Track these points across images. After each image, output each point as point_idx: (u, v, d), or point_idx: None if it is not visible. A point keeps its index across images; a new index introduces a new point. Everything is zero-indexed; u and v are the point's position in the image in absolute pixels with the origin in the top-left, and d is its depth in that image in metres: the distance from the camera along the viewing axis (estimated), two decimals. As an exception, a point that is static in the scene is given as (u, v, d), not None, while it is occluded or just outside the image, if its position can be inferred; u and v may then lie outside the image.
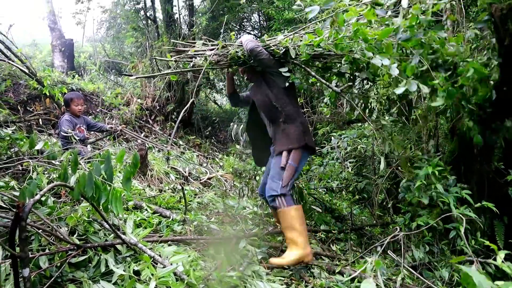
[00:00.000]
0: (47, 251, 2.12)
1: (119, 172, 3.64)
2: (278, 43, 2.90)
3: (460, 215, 2.61)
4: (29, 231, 2.09)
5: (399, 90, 2.25)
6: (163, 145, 6.61)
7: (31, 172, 2.93)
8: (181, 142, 7.39)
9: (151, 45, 8.70)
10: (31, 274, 1.46)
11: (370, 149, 4.85)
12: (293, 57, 2.78)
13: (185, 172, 5.19)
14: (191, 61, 3.09)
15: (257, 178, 5.07)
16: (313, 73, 2.98)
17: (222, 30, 10.64)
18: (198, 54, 3.11)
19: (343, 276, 2.72)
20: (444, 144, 3.73)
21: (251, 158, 6.38)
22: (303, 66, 2.93)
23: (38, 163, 2.51)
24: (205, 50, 3.15)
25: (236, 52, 2.98)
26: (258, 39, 3.18)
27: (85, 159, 3.18)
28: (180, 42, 3.73)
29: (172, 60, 3.21)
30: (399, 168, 4.18)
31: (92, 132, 4.99)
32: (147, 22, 9.11)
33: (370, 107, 4.72)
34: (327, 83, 2.97)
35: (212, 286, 2.06)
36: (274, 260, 2.63)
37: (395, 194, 4.48)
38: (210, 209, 3.88)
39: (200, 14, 9.64)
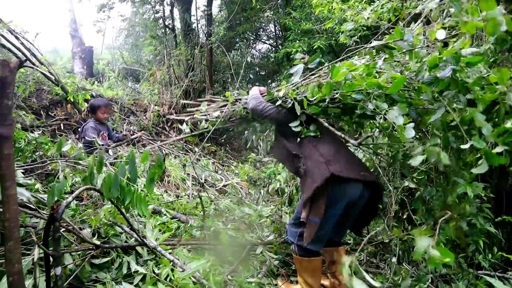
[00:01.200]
0: (70, 249, 2.19)
1: (140, 175, 3.72)
2: (285, 94, 2.51)
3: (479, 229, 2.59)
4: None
5: (416, 161, 1.77)
6: (179, 152, 6.70)
7: (56, 175, 3.03)
8: (196, 149, 7.48)
9: (169, 53, 8.87)
10: (62, 273, 1.52)
11: (385, 160, 4.84)
12: (302, 110, 2.38)
13: (201, 179, 5.25)
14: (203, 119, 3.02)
15: (271, 186, 5.11)
16: (326, 124, 2.38)
17: (237, 39, 10.80)
18: (204, 115, 3.04)
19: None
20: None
21: (266, 166, 6.42)
22: (315, 117, 2.43)
23: (65, 163, 2.59)
24: (215, 109, 3.05)
25: (244, 108, 2.79)
26: (266, 90, 2.86)
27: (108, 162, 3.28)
28: (189, 102, 3.83)
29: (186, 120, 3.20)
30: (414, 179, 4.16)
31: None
32: (165, 31, 9.30)
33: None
34: (346, 137, 2.34)
35: (231, 290, 2.10)
36: (280, 284, 2.62)
37: (409, 206, 4.45)
38: (226, 216, 3.92)
39: (217, 23, 9.80)
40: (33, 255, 1.37)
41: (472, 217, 2.60)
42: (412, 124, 1.79)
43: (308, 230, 2.25)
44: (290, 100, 2.44)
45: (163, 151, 6.00)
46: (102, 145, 4.29)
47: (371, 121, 2.74)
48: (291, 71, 2.58)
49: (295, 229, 2.39)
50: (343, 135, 2.33)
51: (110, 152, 4.38)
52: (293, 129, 2.38)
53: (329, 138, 2.39)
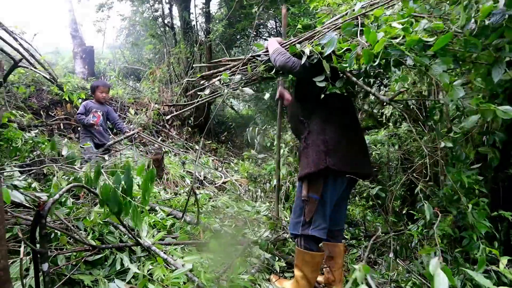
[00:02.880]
0: (64, 250, 2.21)
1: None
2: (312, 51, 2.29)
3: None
4: (48, 230, 2.18)
5: (469, 123, 1.72)
6: (179, 150, 6.72)
7: (53, 174, 3.05)
8: (197, 147, 7.49)
9: (169, 51, 8.88)
10: (50, 270, 1.54)
11: (385, 155, 4.84)
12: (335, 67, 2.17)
13: (200, 176, 5.26)
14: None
15: (271, 182, 5.11)
16: (360, 83, 2.32)
17: (238, 37, 10.78)
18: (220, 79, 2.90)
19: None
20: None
21: (266, 163, 6.42)
22: (347, 74, 2.31)
23: (59, 166, 2.61)
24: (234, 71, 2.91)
25: (265, 67, 2.70)
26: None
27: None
28: (203, 65, 3.72)
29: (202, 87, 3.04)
30: (415, 174, 4.15)
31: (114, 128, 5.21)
32: (165, 29, 9.31)
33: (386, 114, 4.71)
34: (377, 93, 2.35)
35: (222, 287, 2.11)
36: (273, 280, 2.61)
37: (410, 201, 4.44)
38: (224, 212, 3.93)
39: (217, 21, 9.79)
40: (20, 252, 1.38)
41: (464, 209, 2.59)
42: (460, 81, 1.67)
43: (309, 206, 2.31)
44: (316, 56, 2.24)
45: (163, 149, 6.02)
46: (89, 122, 4.43)
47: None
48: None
49: (297, 219, 2.39)
50: (373, 91, 2.33)
51: (105, 136, 4.52)
52: (318, 83, 2.25)
53: (337, 123, 2.37)
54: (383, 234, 4.16)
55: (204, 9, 8.91)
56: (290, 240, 3.23)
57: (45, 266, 1.52)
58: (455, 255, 3.14)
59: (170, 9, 9.41)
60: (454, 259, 3.09)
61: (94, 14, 13.74)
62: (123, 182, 1.77)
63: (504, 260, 1.67)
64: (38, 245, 1.55)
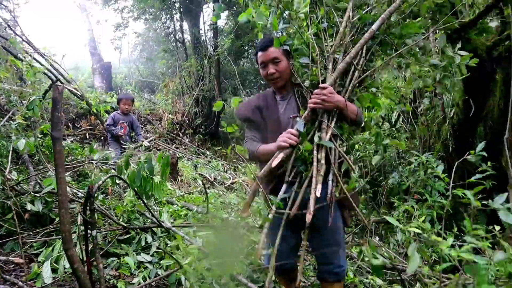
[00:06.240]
0: (102, 230, 2.81)
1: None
2: None
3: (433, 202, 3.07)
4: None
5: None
6: (192, 155, 7.33)
7: (85, 175, 3.69)
8: (208, 153, 8.09)
9: (180, 65, 9.56)
10: (96, 235, 2.11)
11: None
12: None
13: (211, 177, 5.85)
14: None
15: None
16: None
17: (246, 47, 11.40)
18: None
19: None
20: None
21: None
22: None
23: (95, 165, 3.22)
24: None
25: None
26: None
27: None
28: None
29: None
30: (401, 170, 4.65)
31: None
32: (176, 45, 10.01)
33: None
34: None
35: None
36: None
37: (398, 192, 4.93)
38: (231, 207, 4.49)
39: (225, 34, 10.45)
40: (78, 220, 1.97)
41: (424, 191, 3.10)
42: None
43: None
44: None
45: (177, 155, 6.64)
46: (117, 133, 5.11)
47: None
48: None
49: (344, 250, 2.10)
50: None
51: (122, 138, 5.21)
52: None
53: None
54: (374, 224, 4.65)
55: (212, 25, 9.58)
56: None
57: (94, 232, 2.10)
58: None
59: (181, 25, 10.12)
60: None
61: (111, 32, 14.53)
62: (145, 168, 2.37)
63: (450, 240, 1.77)
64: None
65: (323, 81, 1.77)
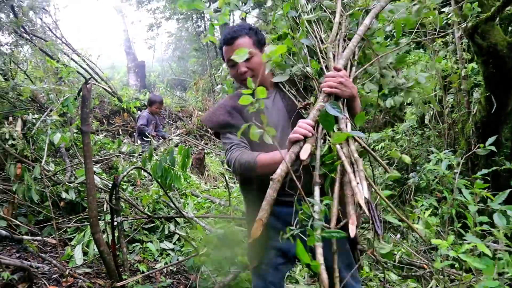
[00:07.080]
0: (128, 218, 3.02)
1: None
2: None
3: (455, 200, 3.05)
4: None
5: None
6: (220, 151, 7.52)
7: (116, 167, 3.94)
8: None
9: (211, 63, 9.79)
10: (122, 221, 2.30)
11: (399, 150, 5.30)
12: None
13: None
14: None
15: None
16: None
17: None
18: None
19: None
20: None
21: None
22: None
23: (124, 157, 3.45)
24: None
25: None
26: None
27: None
28: None
29: None
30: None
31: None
32: (207, 43, 10.24)
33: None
34: None
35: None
36: None
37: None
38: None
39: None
40: (104, 207, 2.16)
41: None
42: None
43: None
44: None
45: (205, 150, 6.85)
46: (150, 133, 5.37)
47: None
48: None
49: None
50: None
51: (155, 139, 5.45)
52: None
53: None
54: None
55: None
56: None
57: (119, 218, 2.29)
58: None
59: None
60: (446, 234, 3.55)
61: (145, 32, 15.06)
62: (167, 160, 2.54)
63: (450, 238, 1.67)
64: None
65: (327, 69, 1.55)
